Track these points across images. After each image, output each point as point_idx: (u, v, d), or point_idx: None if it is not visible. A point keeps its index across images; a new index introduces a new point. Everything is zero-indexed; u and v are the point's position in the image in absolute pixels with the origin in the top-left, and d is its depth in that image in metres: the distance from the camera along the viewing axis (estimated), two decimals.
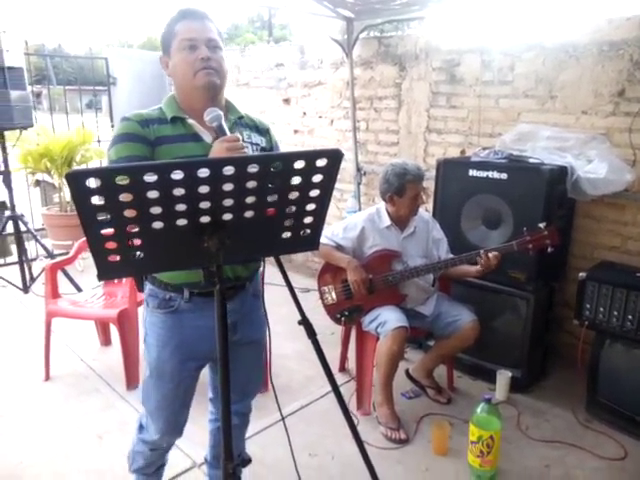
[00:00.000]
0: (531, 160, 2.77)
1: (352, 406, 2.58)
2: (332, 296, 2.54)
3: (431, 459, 2.24)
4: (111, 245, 1.01)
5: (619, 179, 2.68)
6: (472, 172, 2.82)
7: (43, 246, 4.16)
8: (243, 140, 1.41)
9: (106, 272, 1.07)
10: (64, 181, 4.26)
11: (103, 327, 3.21)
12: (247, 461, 1.20)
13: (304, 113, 4.40)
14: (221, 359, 1.08)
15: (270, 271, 1.59)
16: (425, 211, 3.03)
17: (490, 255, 2.30)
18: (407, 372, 2.79)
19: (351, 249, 2.53)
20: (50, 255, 4.11)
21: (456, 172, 2.91)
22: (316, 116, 4.29)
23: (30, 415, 2.54)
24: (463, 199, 2.87)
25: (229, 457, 1.16)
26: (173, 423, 1.62)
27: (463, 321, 2.48)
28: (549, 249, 2.32)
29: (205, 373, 1.71)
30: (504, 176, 2.70)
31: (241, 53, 4.87)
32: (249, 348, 1.62)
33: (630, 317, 2.33)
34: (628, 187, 2.70)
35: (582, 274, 2.51)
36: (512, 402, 2.64)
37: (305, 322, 1.44)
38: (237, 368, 1.59)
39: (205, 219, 1.04)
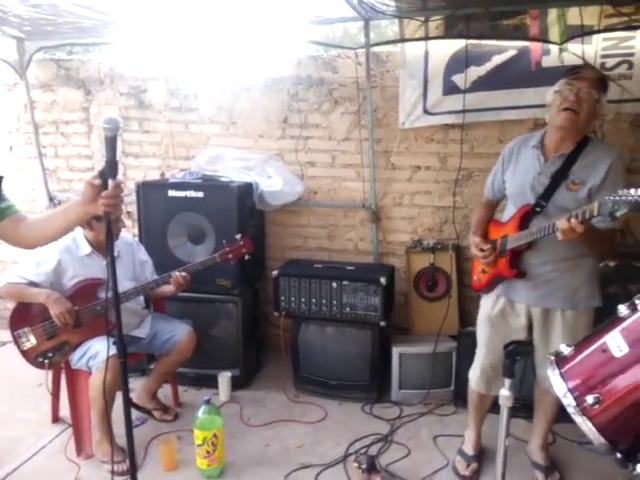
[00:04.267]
0: (222, 179, 3.08)
1: (71, 454, 2.38)
2: (30, 339, 2.29)
3: (163, 477, 2.26)
4: None
5: (293, 190, 3.24)
6: (171, 192, 2.96)
7: None
8: None
9: None
10: None
11: None
12: None
13: None
14: None
15: None
16: (129, 234, 3.03)
17: (179, 275, 2.46)
18: (130, 401, 2.72)
19: (48, 284, 2.33)
20: None
21: (156, 194, 3.00)
22: None
23: None
24: (167, 219, 2.98)
25: None
26: None
27: (179, 335, 2.58)
28: (246, 257, 2.63)
29: None
30: (200, 194, 2.92)
31: None
32: None
33: (314, 300, 2.85)
34: (301, 196, 3.28)
35: (275, 272, 2.93)
36: (235, 399, 2.88)
37: None
38: None
39: None
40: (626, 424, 1.25)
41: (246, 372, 3.04)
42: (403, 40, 2.99)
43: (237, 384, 2.96)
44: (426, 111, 3.03)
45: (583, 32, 2.69)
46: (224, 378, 2.88)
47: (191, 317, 2.87)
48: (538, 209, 1.91)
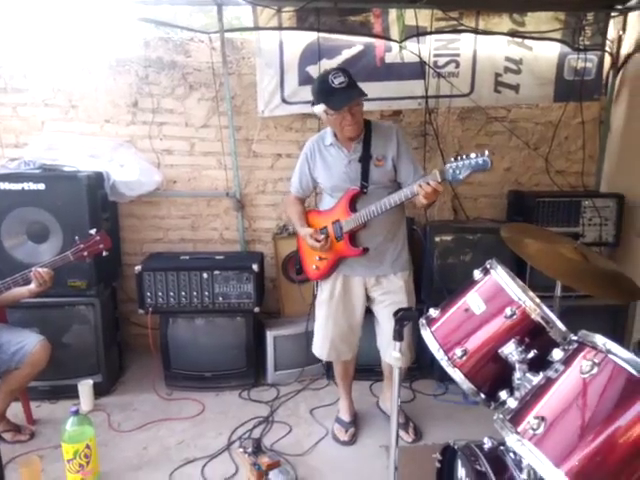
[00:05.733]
0: (66, 168, 2.77)
1: None
2: None
3: None
4: None
5: (149, 180, 3.06)
6: (3, 185, 2.59)
7: None
8: None
9: None
10: None
11: None
12: None
13: None
14: None
15: None
16: None
17: (41, 271, 2.20)
18: None
19: None
20: None
21: None
22: None
23: None
24: (0, 216, 2.59)
25: None
26: None
27: (30, 345, 2.29)
28: (104, 253, 2.42)
29: None
30: (41, 186, 2.60)
31: None
32: None
33: (183, 293, 2.75)
34: (159, 186, 3.12)
35: (138, 267, 2.76)
36: (100, 407, 2.66)
37: None
38: None
39: None
40: (486, 370, 1.48)
41: (109, 377, 2.82)
42: (258, 28, 3.01)
43: (100, 391, 2.73)
44: (284, 100, 3.10)
45: (418, 32, 3.02)
46: (85, 387, 2.63)
47: (38, 325, 2.56)
48: (365, 190, 2.14)
